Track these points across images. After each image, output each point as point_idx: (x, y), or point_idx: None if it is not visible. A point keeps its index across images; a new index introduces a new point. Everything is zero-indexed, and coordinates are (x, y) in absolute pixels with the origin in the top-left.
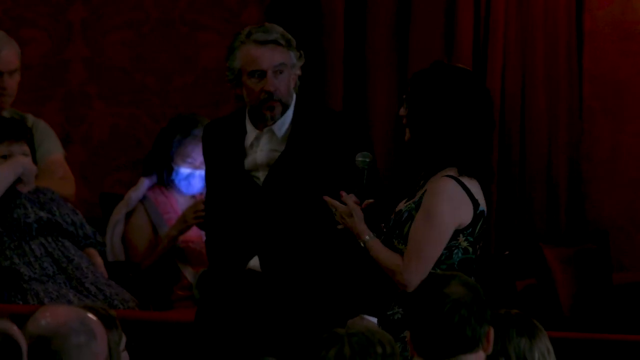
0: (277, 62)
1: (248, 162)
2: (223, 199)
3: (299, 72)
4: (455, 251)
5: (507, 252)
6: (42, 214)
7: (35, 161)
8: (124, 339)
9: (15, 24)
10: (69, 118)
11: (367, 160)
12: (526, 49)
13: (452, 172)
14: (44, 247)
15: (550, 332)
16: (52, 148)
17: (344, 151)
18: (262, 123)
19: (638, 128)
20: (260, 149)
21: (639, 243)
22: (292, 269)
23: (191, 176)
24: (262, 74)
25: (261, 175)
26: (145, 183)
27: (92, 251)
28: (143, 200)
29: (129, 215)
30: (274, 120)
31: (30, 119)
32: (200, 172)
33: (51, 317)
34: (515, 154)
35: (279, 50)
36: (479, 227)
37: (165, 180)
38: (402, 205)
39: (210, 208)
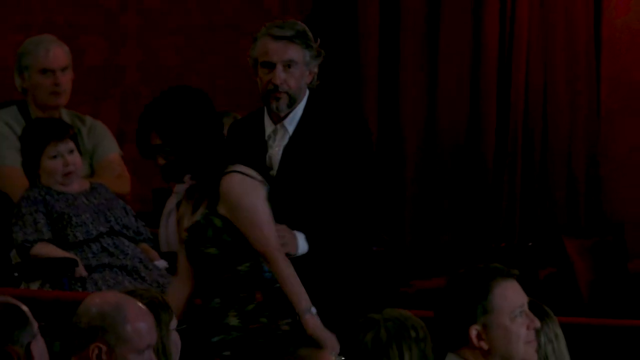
0: (287, 58)
1: (266, 159)
2: None
3: (315, 69)
4: None
5: (530, 243)
6: (102, 228)
7: (92, 159)
8: (174, 321)
9: (75, 31)
10: (124, 117)
11: None
12: (548, 55)
13: (230, 167)
14: (100, 244)
15: (570, 317)
16: (110, 148)
17: (343, 151)
18: (278, 115)
19: None
20: (276, 145)
21: None
22: (310, 262)
23: None
24: (271, 66)
25: (274, 171)
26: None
27: (146, 246)
28: None
29: (179, 205)
30: (279, 110)
31: (89, 120)
32: None
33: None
34: (538, 153)
35: (292, 46)
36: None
37: None
38: (195, 217)
39: None
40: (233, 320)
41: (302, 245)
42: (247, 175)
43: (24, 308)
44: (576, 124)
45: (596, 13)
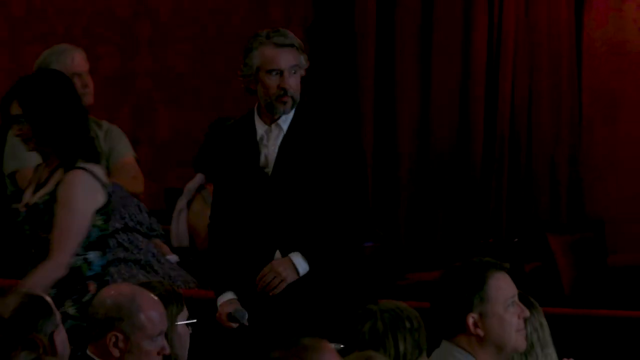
0: (293, 64)
1: (261, 158)
2: (238, 196)
3: (303, 72)
4: (93, 229)
5: (516, 239)
6: (117, 224)
7: (108, 161)
8: (184, 314)
9: (91, 41)
10: (138, 122)
11: None
12: (533, 65)
13: (81, 162)
14: (116, 240)
15: (553, 308)
16: (125, 151)
17: (336, 146)
18: (271, 116)
19: (629, 132)
20: (271, 144)
21: (630, 231)
22: (310, 257)
23: None
24: (280, 73)
25: (269, 170)
26: (200, 176)
27: (158, 241)
28: (201, 190)
29: (189, 204)
30: (285, 112)
31: (105, 125)
32: None
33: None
34: (523, 156)
35: (294, 53)
36: (109, 205)
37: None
38: (35, 198)
39: (224, 207)
40: (71, 310)
41: (301, 267)
42: (94, 176)
43: (48, 299)
44: (559, 130)
45: (577, 25)
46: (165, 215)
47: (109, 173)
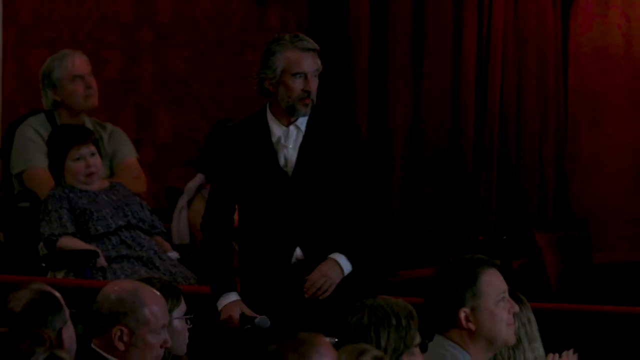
0: (315, 68)
1: (280, 159)
2: (255, 196)
3: None
4: None
5: (504, 237)
6: (120, 222)
7: (112, 162)
8: (181, 308)
9: (95, 45)
10: (140, 123)
11: None
12: (521, 69)
13: None
14: (119, 237)
15: (540, 304)
16: (128, 152)
17: (347, 145)
18: (289, 118)
19: (614, 134)
20: (291, 145)
21: (615, 231)
22: (354, 257)
23: None
24: (304, 76)
25: (289, 170)
26: (200, 176)
27: (160, 239)
28: (201, 190)
29: (190, 203)
30: (306, 114)
31: (109, 127)
32: None
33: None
34: (512, 156)
35: (316, 57)
36: None
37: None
38: None
39: (223, 206)
40: None
41: (346, 267)
42: None
43: (58, 295)
44: (546, 131)
45: (563, 30)
46: (167, 214)
47: (111, 174)
